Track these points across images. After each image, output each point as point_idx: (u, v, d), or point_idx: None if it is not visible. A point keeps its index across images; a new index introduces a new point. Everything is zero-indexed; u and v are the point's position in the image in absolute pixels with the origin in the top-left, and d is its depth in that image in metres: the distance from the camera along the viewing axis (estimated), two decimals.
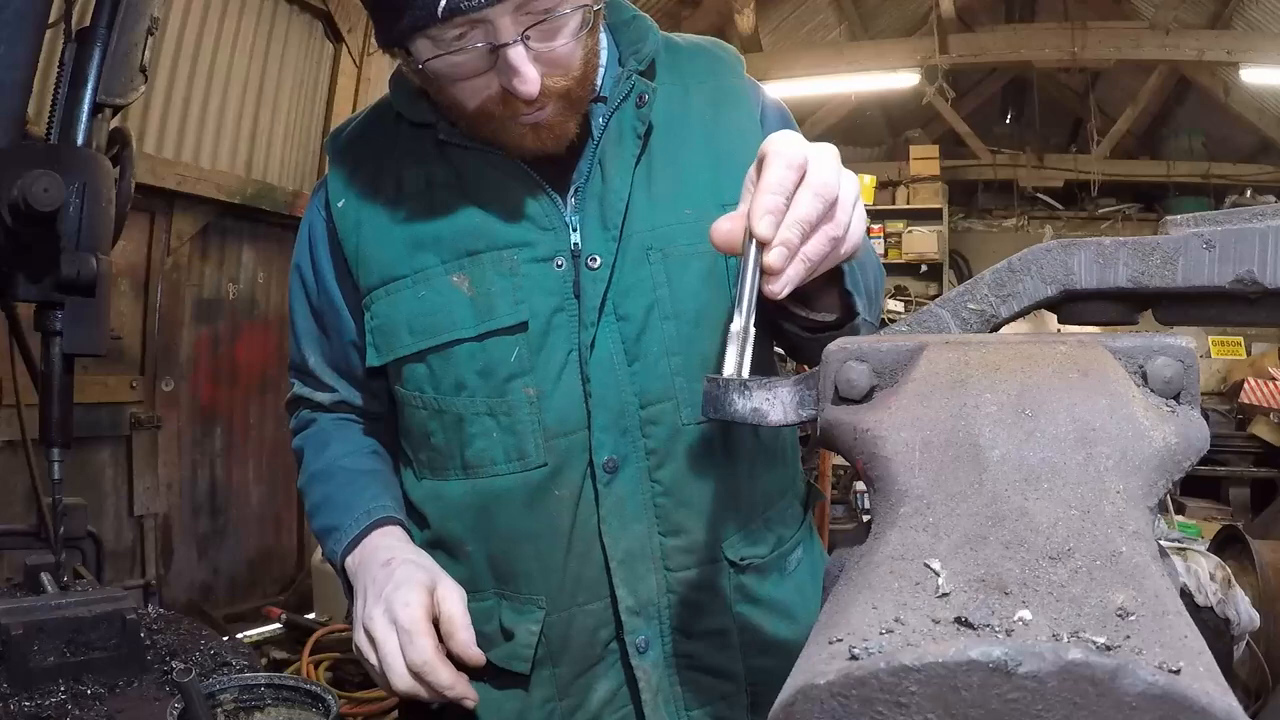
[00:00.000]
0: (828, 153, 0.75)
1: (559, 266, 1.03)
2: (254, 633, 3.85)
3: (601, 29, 1.07)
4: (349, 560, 1.08)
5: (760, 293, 0.73)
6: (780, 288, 0.73)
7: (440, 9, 0.83)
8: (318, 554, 4.39)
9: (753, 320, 0.73)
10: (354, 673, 3.54)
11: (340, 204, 1.11)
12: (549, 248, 1.04)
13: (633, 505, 1.06)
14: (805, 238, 0.73)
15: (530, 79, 0.90)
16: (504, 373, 1.04)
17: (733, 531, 1.11)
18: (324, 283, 1.17)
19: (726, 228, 0.75)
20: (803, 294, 0.88)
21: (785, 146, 0.73)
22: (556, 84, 0.94)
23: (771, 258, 0.71)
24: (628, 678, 1.10)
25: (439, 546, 1.14)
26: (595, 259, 1.03)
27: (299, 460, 1.26)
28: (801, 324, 0.93)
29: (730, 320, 0.73)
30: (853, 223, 0.77)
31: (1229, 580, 2.96)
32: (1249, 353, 7.00)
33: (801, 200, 0.72)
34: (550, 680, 1.10)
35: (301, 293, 1.22)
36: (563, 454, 1.05)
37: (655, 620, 1.08)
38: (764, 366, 1.14)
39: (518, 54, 0.88)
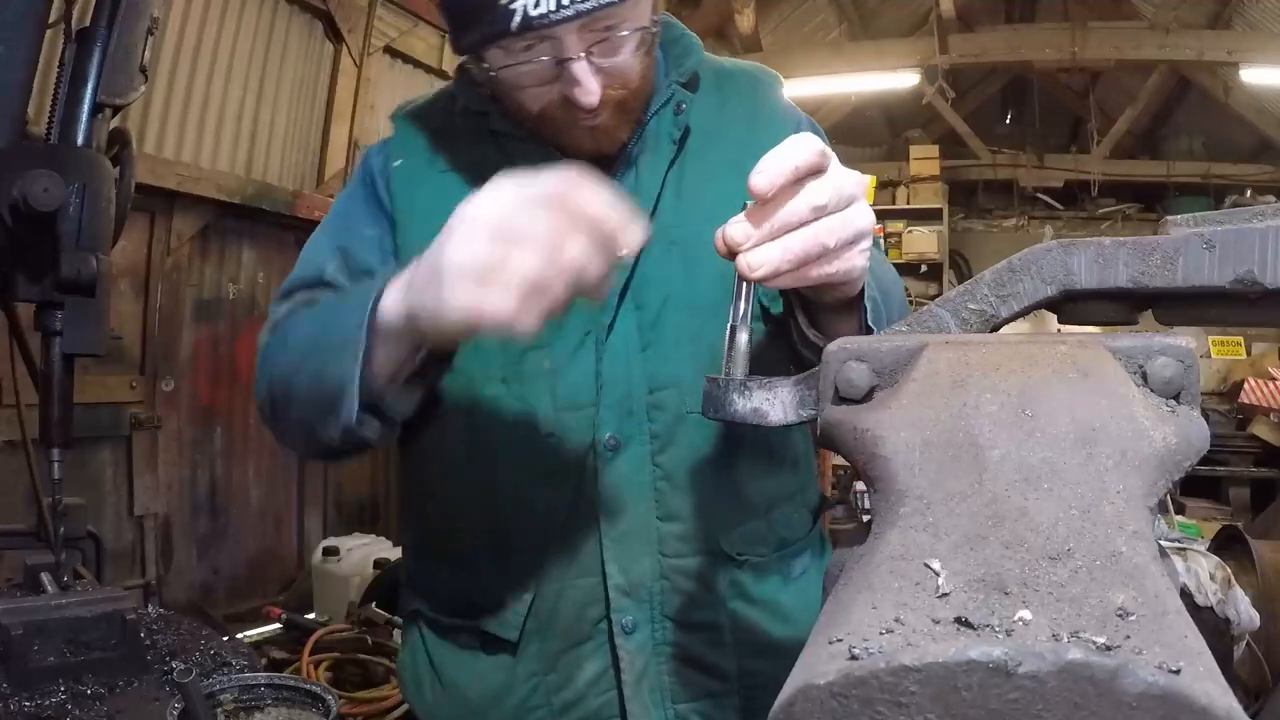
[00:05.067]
0: (836, 175, 0.74)
1: None
2: (254, 633, 3.84)
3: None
4: (390, 297, 0.87)
5: (799, 343, 0.73)
6: (758, 274, 0.71)
7: (514, 23, 0.91)
8: (318, 554, 4.39)
9: (749, 320, 0.73)
10: (354, 673, 3.54)
11: (398, 164, 1.16)
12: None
13: (632, 486, 1.08)
14: (783, 229, 0.72)
15: (591, 90, 0.97)
16: (523, 343, 1.07)
17: (732, 525, 1.12)
18: (360, 222, 1.18)
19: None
20: (820, 323, 0.88)
21: (776, 158, 0.71)
22: (615, 94, 1.01)
23: (732, 229, 0.71)
24: (615, 660, 1.11)
25: (439, 511, 1.17)
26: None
27: (271, 345, 1.08)
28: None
29: (730, 321, 0.73)
30: (853, 252, 0.75)
31: (1229, 580, 2.96)
32: (1249, 353, 7.00)
33: (781, 198, 0.72)
34: (538, 654, 1.12)
35: (343, 208, 1.21)
36: (569, 428, 1.08)
37: (646, 604, 1.10)
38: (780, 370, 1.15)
39: (581, 68, 0.96)
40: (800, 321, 0.89)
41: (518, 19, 0.90)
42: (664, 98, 1.11)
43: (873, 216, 0.77)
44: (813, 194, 0.72)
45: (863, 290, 0.84)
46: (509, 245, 0.73)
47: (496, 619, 1.12)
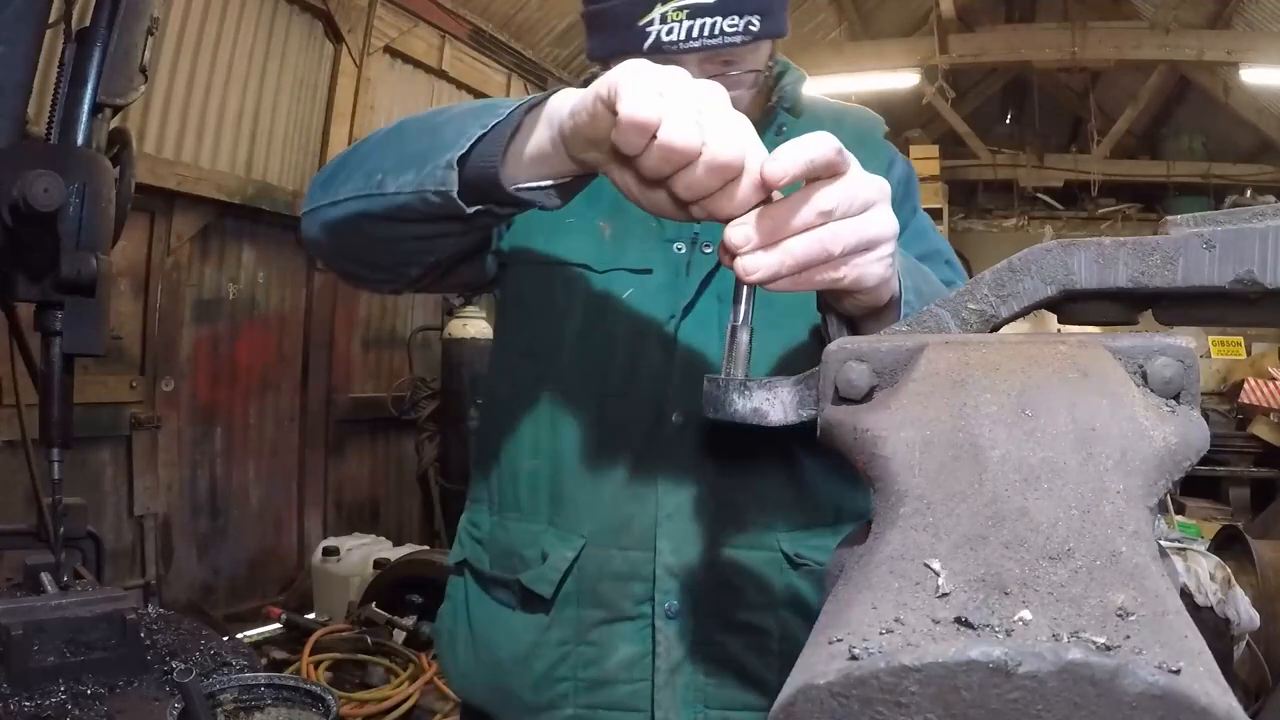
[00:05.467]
0: (850, 179, 0.71)
1: (679, 250, 1.14)
2: (254, 633, 3.85)
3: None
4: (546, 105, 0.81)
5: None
6: (754, 277, 0.69)
7: (646, 44, 1.00)
8: (318, 554, 4.40)
9: (750, 321, 0.73)
10: (354, 673, 3.54)
11: None
12: (674, 231, 1.14)
13: (696, 466, 1.09)
14: (787, 234, 0.69)
15: None
16: (613, 306, 1.13)
17: (794, 526, 1.11)
18: None
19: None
20: (861, 333, 0.86)
21: (791, 147, 0.68)
22: None
23: (732, 232, 0.69)
24: (654, 648, 1.10)
25: (506, 461, 1.19)
26: (708, 246, 1.13)
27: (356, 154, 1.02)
28: None
29: (730, 321, 0.73)
30: (866, 259, 0.72)
31: (1229, 580, 2.96)
32: (1249, 353, 7.00)
33: (788, 198, 0.69)
34: (573, 620, 1.11)
35: None
36: (642, 398, 1.11)
37: (693, 591, 1.09)
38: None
39: None
40: (829, 331, 0.87)
41: (650, 41, 0.99)
42: (768, 121, 1.17)
43: (894, 223, 0.74)
44: (820, 198, 0.69)
45: (895, 301, 0.80)
46: (686, 96, 0.69)
47: (536, 572, 1.12)
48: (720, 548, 1.09)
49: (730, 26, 0.99)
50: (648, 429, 1.10)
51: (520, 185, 0.82)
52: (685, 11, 0.99)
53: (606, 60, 1.06)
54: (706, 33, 0.99)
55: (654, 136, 0.66)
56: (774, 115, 1.18)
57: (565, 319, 1.14)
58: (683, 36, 0.99)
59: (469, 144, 0.82)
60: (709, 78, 0.98)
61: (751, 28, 1.00)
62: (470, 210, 0.84)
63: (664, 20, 0.99)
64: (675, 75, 0.71)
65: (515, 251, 1.18)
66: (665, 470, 1.10)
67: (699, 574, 1.09)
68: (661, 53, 0.99)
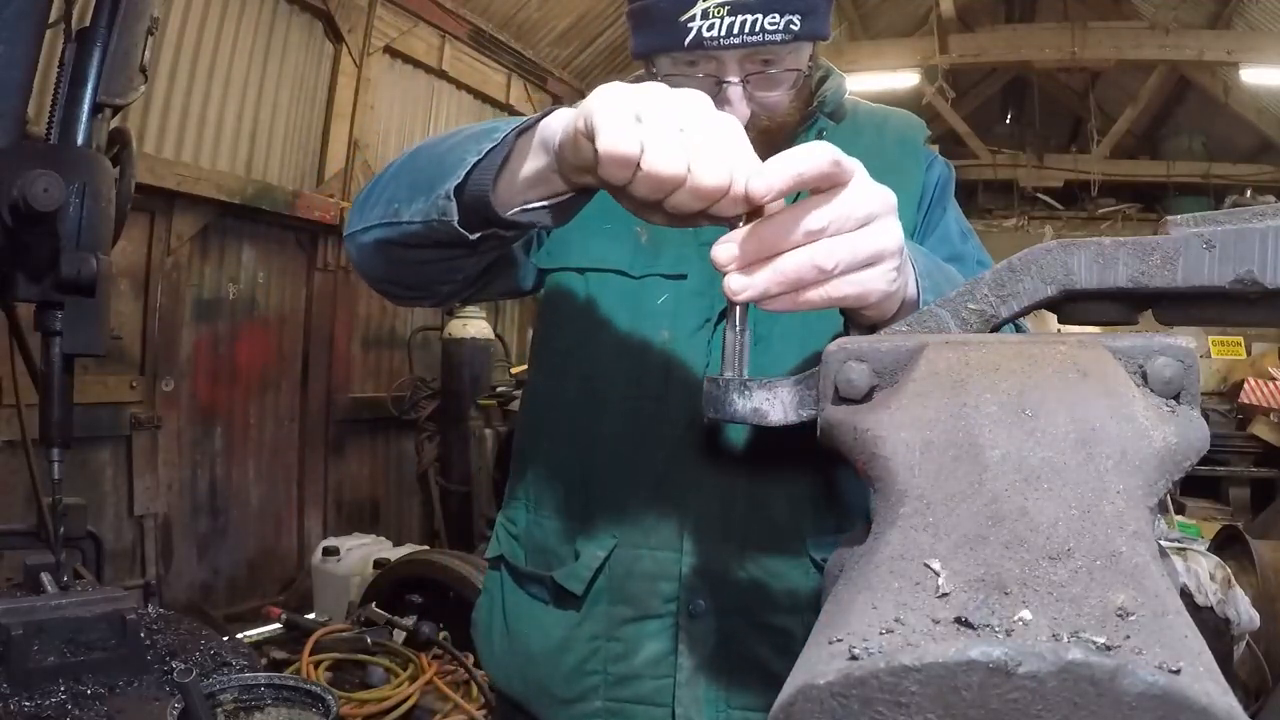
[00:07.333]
0: (848, 194, 0.68)
1: None
2: (254, 633, 3.84)
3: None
4: (539, 127, 0.81)
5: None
6: (742, 296, 0.67)
7: (687, 40, 1.01)
8: (318, 554, 4.40)
9: (748, 323, 0.72)
10: (354, 673, 3.54)
11: None
12: (711, 234, 1.12)
13: (726, 468, 1.10)
14: (775, 251, 0.67)
15: (740, 114, 1.05)
16: (649, 310, 1.15)
17: (824, 531, 1.12)
18: None
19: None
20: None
21: (778, 161, 0.65)
22: (761, 123, 1.09)
23: (718, 249, 0.67)
24: (676, 644, 1.12)
25: (544, 459, 1.21)
26: None
27: (380, 182, 1.03)
28: None
29: (728, 325, 0.73)
30: (868, 274, 0.69)
31: (1229, 580, 2.96)
32: (1249, 353, 6.99)
33: (780, 214, 0.67)
34: (603, 617, 1.14)
35: None
36: (676, 400, 1.11)
37: (720, 591, 1.10)
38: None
39: (735, 92, 1.06)
40: None
41: (690, 37, 1.00)
42: (809, 124, 1.18)
43: (898, 237, 0.70)
44: (812, 215, 0.66)
45: (911, 308, 0.78)
46: (664, 122, 0.66)
47: (568, 570, 1.14)
48: (748, 551, 1.11)
49: (771, 24, 1.00)
50: (680, 432, 1.11)
51: (515, 209, 0.83)
52: (726, 8, 0.99)
53: (650, 57, 1.08)
54: (747, 30, 1.00)
55: (639, 166, 0.65)
56: (814, 119, 1.18)
57: (602, 324, 1.15)
58: (723, 33, 1.00)
59: (464, 172, 0.83)
60: (748, 76, 1.04)
61: (792, 27, 1.01)
62: (474, 236, 0.85)
63: (705, 16, 0.99)
64: (652, 93, 0.69)
65: (554, 258, 1.19)
66: (696, 473, 1.11)
67: (726, 575, 1.10)
68: (702, 49, 1.01)
